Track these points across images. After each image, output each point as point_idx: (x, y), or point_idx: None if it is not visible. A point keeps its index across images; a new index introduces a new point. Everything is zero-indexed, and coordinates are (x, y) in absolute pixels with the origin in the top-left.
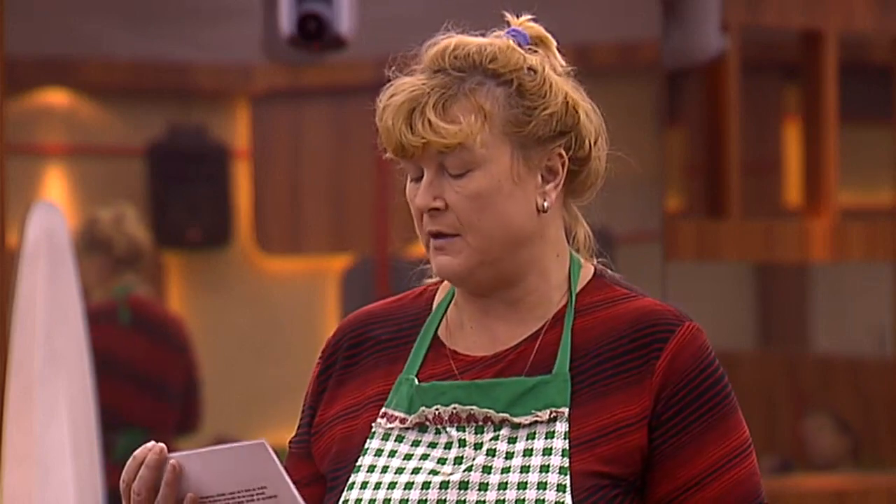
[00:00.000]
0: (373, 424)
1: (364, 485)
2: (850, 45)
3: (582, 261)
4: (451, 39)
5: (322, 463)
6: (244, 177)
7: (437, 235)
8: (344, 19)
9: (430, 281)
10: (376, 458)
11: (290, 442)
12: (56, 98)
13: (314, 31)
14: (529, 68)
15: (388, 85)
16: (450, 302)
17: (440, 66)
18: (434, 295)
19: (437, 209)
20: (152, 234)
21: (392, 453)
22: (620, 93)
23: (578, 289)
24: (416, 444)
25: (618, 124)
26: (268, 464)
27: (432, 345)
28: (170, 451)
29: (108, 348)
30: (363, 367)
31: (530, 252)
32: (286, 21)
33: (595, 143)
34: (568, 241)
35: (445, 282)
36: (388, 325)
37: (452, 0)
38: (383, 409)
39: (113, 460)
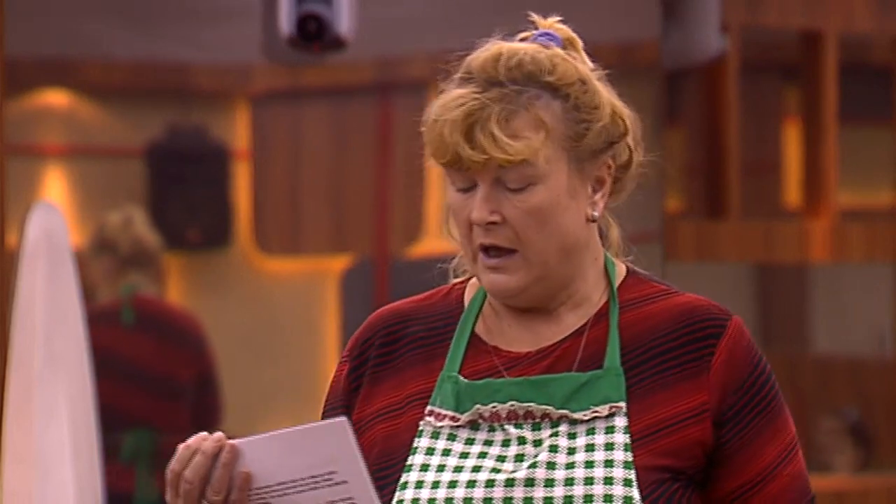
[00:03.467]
0: (420, 423)
1: (419, 484)
2: (850, 45)
3: (614, 259)
4: (499, 47)
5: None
6: (244, 177)
7: (492, 249)
8: (344, 20)
9: (455, 280)
10: (428, 456)
11: None
12: (56, 98)
13: (314, 32)
14: (581, 79)
15: (439, 97)
16: (483, 298)
17: (494, 77)
18: (463, 293)
19: (493, 223)
20: (152, 235)
21: (446, 452)
22: (620, 93)
23: (617, 285)
24: (469, 442)
25: None
26: (344, 445)
27: (471, 342)
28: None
29: (111, 348)
30: (399, 365)
31: (577, 260)
32: (286, 22)
33: (635, 148)
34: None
35: (475, 279)
36: (422, 322)
37: (452, 1)
38: (429, 408)
39: (120, 461)
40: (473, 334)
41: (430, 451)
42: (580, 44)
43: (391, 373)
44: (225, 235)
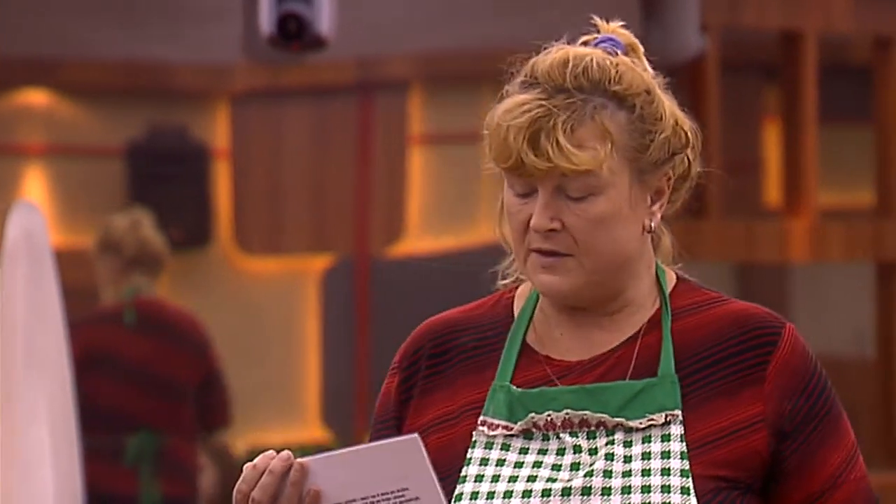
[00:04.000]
0: (473, 433)
1: (474, 495)
2: (829, 45)
3: (664, 267)
4: (565, 52)
5: None
6: (224, 177)
7: (548, 254)
8: (324, 20)
9: (502, 287)
10: (482, 467)
11: None
12: (36, 98)
13: (294, 32)
14: (647, 89)
15: (500, 100)
16: (533, 308)
17: (561, 84)
18: (512, 302)
19: (552, 230)
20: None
21: (500, 462)
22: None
23: (668, 293)
24: (524, 451)
25: None
26: (417, 462)
27: (523, 351)
28: (190, 451)
29: (114, 350)
30: (450, 376)
31: (631, 268)
32: (266, 21)
33: (694, 159)
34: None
35: (522, 288)
36: (471, 332)
37: (432, 2)
38: (482, 418)
39: (125, 464)
40: (524, 344)
41: (484, 462)
42: (641, 50)
43: (443, 383)
44: (205, 234)
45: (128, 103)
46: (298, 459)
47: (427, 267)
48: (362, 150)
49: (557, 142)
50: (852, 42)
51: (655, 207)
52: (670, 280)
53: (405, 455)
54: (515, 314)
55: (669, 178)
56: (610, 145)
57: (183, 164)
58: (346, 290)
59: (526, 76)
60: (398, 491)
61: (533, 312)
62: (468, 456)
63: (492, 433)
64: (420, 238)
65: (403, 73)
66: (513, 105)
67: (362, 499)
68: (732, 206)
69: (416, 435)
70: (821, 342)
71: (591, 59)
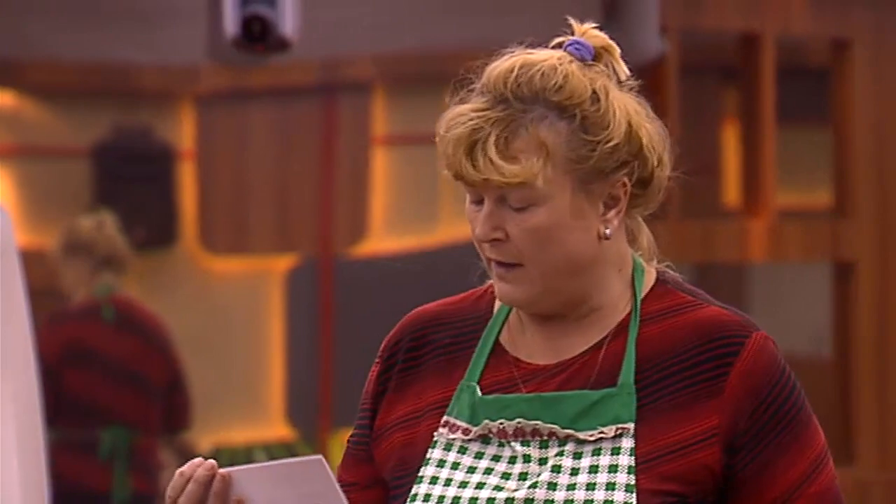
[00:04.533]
0: (434, 434)
1: (427, 497)
2: (787, 48)
3: (645, 266)
4: (516, 60)
5: (384, 469)
6: (189, 177)
7: (499, 263)
8: (288, 21)
9: (490, 281)
10: (439, 469)
11: (349, 441)
12: (2, 99)
13: (258, 33)
14: (593, 95)
15: (449, 109)
16: (510, 307)
17: (502, 94)
18: (494, 298)
19: (497, 240)
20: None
21: (455, 465)
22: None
23: (642, 296)
24: (479, 456)
25: None
26: (324, 480)
27: (494, 350)
28: (156, 450)
29: (91, 344)
30: (423, 371)
31: (592, 274)
32: (230, 23)
33: (658, 164)
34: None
35: None
36: (449, 328)
37: (397, 3)
38: (445, 418)
39: (99, 458)
40: (497, 343)
41: (441, 464)
42: (617, 51)
43: (415, 379)
44: (170, 235)
45: (93, 104)
46: (221, 470)
47: (390, 266)
48: (326, 150)
49: (489, 156)
50: (810, 44)
51: (611, 214)
52: (648, 282)
53: (313, 474)
54: (495, 311)
55: (625, 185)
56: (545, 157)
57: (148, 164)
58: (310, 289)
59: (479, 83)
60: None
61: (509, 311)
62: (427, 456)
63: (452, 435)
64: (383, 238)
65: (367, 75)
66: (454, 115)
67: None
68: (691, 206)
69: (319, 456)
70: (779, 342)
71: (537, 69)
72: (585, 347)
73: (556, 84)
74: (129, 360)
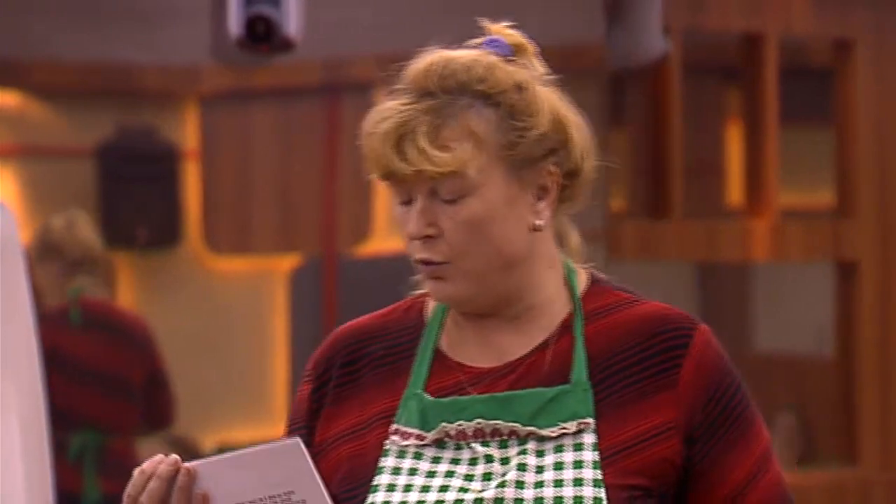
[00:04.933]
0: (385, 442)
1: None
2: (790, 48)
3: (575, 267)
4: (435, 56)
5: (330, 483)
6: (193, 177)
7: (428, 263)
8: (292, 21)
9: (416, 292)
10: (395, 476)
11: None
12: (4, 99)
13: (262, 34)
14: (518, 86)
15: (373, 109)
16: (444, 313)
17: (427, 88)
18: (423, 306)
19: (430, 237)
20: (101, 235)
21: (412, 471)
22: (564, 95)
23: (580, 295)
24: (436, 460)
25: None
26: (300, 465)
27: (435, 357)
28: (133, 451)
29: (59, 348)
30: (362, 384)
31: (524, 270)
32: (234, 23)
33: (585, 155)
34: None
35: None
36: (383, 339)
37: (399, 4)
38: (394, 426)
39: (68, 460)
40: (437, 350)
41: (396, 471)
42: (532, 49)
43: (354, 392)
44: (174, 235)
45: (97, 105)
46: (185, 464)
47: (394, 266)
48: (330, 150)
49: (420, 146)
50: (813, 44)
51: (542, 205)
52: (582, 281)
53: (288, 459)
54: (427, 319)
55: (553, 175)
56: (475, 144)
57: (152, 164)
58: (313, 289)
59: (400, 83)
60: (285, 494)
61: (444, 317)
62: (380, 465)
63: (404, 442)
64: (387, 238)
65: (370, 75)
66: (380, 112)
67: (250, 502)
68: (694, 206)
69: (297, 439)
70: (781, 341)
71: (459, 61)
72: (530, 348)
73: (479, 75)
74: (98, 361)
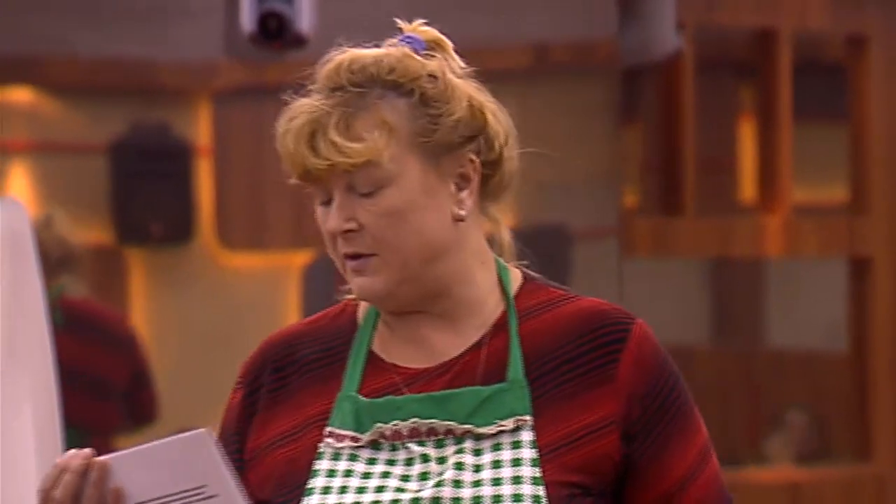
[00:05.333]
0: (319, 445)
1: None
2: (804, 44)
3: (507, 265)
4: (344, 54)
5: (263, 490)
6: (206, 173)
7: (354, 257)
8: (305, 17)
9: (348, 296)
10: (330, 478)
11: None
12: (19, 95)
13: (275, 30)
14: (429, 75)
15: (285, 109)
16: (377, 315)
17: (337, 83)
18: (356, 310)
19: (350, 231)
20: (114, 231)
21: (347, 473)
22: (577, 91)
23: (513, 293)
24: (372, 461)
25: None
26: (209, 457)
27: (369, 359)
28: (116, 449)
29: None
30: (294, 388)
31: (451, 263)
32: (247, 19)
33: (505, 143)
34: (491, 247)
35: None
36: (314, 344)
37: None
38: (328, 429)
39: None
40: (370, 352)
41: (331, 474)
42: (449, 45)
43: (287, 397)
44: (188, 231)
45: (111, 101)
46: (97, 458)
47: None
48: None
49: (331, 139)
50: (827, 40)
51: (463, 195)
52: (515, 279)
53: (197, 451)
54: (360, 323)
55: (474, 163)
56: (388, 133)
57: (165, 161)
58: (327, 285)
59: (311, 84)
60: (197, 488)
61: (377, 319)
62: (314, 468)
63: (339, 444)
64: None
65: None
66: (292, 110)
67: (164, 496)
68: (707, 202)
69: (204, 429)
70: (794, 337)
71: (368, 58)
72: (464, 348)
73: (389, 65)
74: (81, 361)
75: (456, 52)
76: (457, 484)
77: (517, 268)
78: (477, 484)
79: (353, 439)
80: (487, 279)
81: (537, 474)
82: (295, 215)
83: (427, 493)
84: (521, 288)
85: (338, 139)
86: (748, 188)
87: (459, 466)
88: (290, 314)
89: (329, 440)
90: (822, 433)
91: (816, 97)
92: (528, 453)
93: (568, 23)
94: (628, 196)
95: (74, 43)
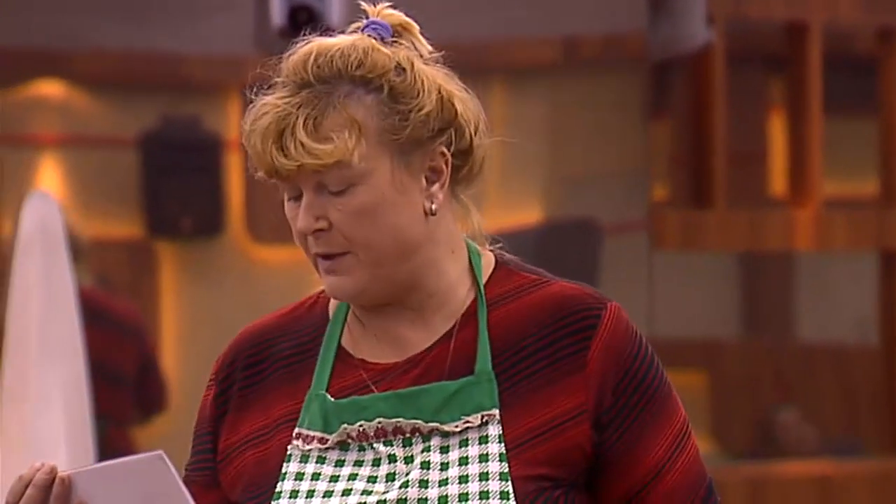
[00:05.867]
0: (288, 447)
1: None
2: (834, 37)
3: (480, 250)
4: (310, 46)
5: (233, 491)
6: (236, 167)
7: (326, 256)
8: (334, 11)
9: (321, 287)
10: (298, 482)
11: (188, 470)
12: (50, 89)
13: (305, 23)
14: (398, 67)
15: (251, 105)
16: (347, 309)
17: (304, 78)
18: (327, 302)
19: (321, 230)
20: (145, 224)
21: (315, 476)
22: (607, 85)
23: (484, 280)
24: (339, 464)
25: (605, 116)
26: (166, 477)
27: (338, 356)
28: (127, 439)
29: None
30: (266, 387)
31: (422, 256)
32: (277, 13)
33: (475, 132)
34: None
35: None
36: (286, 339)
37: None
38: (297, 430)
39: None
40: (340, 347)
41: (299, 477)
42: (416, 28)
43: (258, 395)
44: (217, 224)
45: (141, 94)
46: (60, 473)
47: None
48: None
49: (299, 140)
50: (857, 33)
51: (435, 188)
52: (487, 265)
53: (154, 471)
54: (330, 317)
55: (445, 155)
56: (357, 132)
57: (195, 154)
58: None
59: (278, 78)
60: None
61: (347, 313)
62: (283, 471)
63: (307, 446)
64: None
65: None
66: (259, 108)
67: None
68: (737, 195)
69: (159, 452)
70: (824, 331)
71: (335, 49)
72: (433, 340)
73: (356, 59)
74: (91, 351)
75: (422, 34)
76: (423, 484)
77: (490, 251)
78: (443, 483)
79: (321, 441)
80: (458, 267)
81: (504, 469)
82: None
83: (393, 494)
84: (493, 274)
85: (307, 140)
86: (778, 182)
87: (426, 465)
88: None
89: (297, 442)
90: (855, 427)
91: (846, 90)
92: (495, 448)
93: (598, 17)
94: (658, 189)
95: (105, 36)
